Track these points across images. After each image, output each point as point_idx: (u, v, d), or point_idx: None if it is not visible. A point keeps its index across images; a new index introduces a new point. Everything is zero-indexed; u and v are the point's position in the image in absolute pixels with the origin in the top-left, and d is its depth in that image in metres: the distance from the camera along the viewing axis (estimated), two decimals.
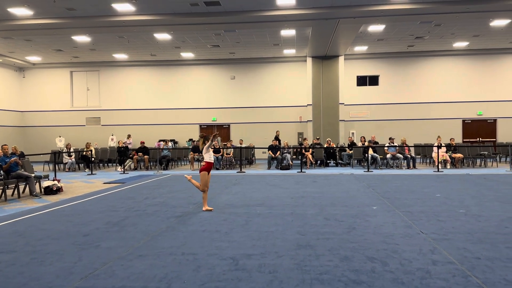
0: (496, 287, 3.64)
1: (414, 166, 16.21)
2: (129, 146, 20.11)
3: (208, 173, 7.51)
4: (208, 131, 23.44)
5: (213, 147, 7.92)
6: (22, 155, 12.78)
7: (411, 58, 22.08)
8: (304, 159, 16.62)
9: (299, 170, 15.35)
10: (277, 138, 18.84)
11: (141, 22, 15.14)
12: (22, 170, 10.22)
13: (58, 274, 4.13)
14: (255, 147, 19.43)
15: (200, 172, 7.58)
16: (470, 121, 22.03)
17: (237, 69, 23.06)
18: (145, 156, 17.45)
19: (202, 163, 7.73)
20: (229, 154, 17.48)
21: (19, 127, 23.90)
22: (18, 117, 23.86)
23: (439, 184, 10.96)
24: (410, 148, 17.29)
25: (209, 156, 7.57)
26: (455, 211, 7.07)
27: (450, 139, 17.04)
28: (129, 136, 21.81)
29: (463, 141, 21.58)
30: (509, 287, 3.66)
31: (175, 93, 23.38)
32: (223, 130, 23.38)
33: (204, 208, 7.47)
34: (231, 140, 19.95)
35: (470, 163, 17.21)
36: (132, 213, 7.30)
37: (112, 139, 22.22)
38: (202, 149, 7.61)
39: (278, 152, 17.01)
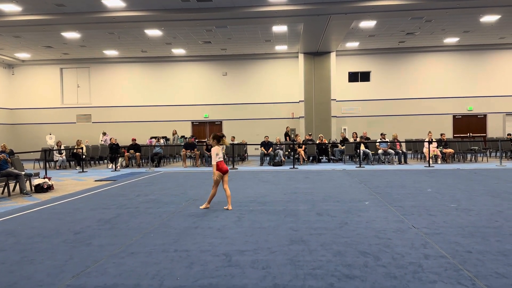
0: (487, 280, 3.68)
1: (405, 162, 16.31)
2: (103, 143, 20.00)
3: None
4: (200, 128, 23.39)
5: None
6: (11, 153, 12.62)
7: (402, 54, 22.19)
8: (297, 156, 16.64)
9: (292, 166, 15.37)
10: (287, 134, 18.85)
11: (131, 18, 15.01)
12: (12, 168, 10.10)
13: (49, 273, 4.09)
14: (248, 143, 19.42)
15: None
16: (460, 117, 22.20)
17: (229, 65, 22.99)
18: (137, 154, 17.35)
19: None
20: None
21: (9, 124, 23.62)
22: (7, 114, 23.57)
23: (430, 179, 11.04)
24: (402, 143, 17.39)
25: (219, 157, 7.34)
26: (446, 206, 7.12)
27: (441, 135, 17.17)
28: (104, 134, 21.61)
29: (454, 136, 21.77)
30: (500, 280, 3.69)
31: (166, 89, 23.25)
32: (215, 127, 23.32)
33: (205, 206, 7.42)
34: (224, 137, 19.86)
35: (461, 158, 17.36)
36: (124, 211, 7.25)
37: (105, 139, 22.04)
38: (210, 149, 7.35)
39: (271, 148, 17.01)
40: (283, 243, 4.96)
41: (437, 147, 16.48)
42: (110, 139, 18.67)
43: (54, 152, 17.74)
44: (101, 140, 21.19)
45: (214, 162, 7.20)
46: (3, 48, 20.20)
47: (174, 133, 21.34)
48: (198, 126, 23.48)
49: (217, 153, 7.25)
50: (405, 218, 6.23)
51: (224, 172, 7.25)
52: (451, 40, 20.49)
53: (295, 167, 15.30)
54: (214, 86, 23.10)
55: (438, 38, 19.89)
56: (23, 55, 22.06)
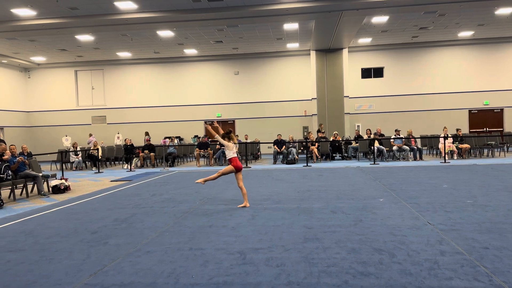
0: (505, 276, 3.63)
1: (420, 158, 16.14)
2: (89, 145, 19.98)
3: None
4: (212, 127, 23.44)
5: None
6: (29, 155, 12.87)
7: (415, 49, 21.92)
8: (310, 154, 16.59)
9: (305, 164, 15.34)
10: (319, 131, 18.81)
11: (143, 19, 15.13)
12: (30, 169, 10.30)
13: (67, 272, 4.17)
14: (260, 142, 19.42)
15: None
16: (476, 111, 21.85)
17: (240, 64, 23.02)
18: (151, 154, 17.51)
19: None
20: None
21: (26, 127, 24.06)
22: (24, 117, 24.01)
23: (446, 175, 10.90)
24: (416, 139, 17.20)
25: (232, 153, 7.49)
26: (463, 202, 7.03)
27: (457, 130, 16.92)
28: (90, 135, 21.70)
29: (470, 132, 21.43)
30: None
31: (179, 90, 23.41)
32: (228, 126, 23.39)
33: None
34: (236, 136, 19.94)
35: (477, 153, 17.09)
36: (139, 210, 7.34)
37: (118, 137, 22.30)
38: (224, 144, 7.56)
39: (284, 146, 16.99)
40: (297, 241, 4.96)
41: (453, 143, 16.25)
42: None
43: (70, 153, 18.02)
44: (88, 142, 21.13)
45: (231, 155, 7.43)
46: (19, 52, 20.58)
47: (146, 134, 21.33)
48: (211, 126, 23.53)
49: (232, 148, 7.49)
50: (420, 214, 6.17)
51: (238, 170, 7.31)
52: (465, 34, 20.17)
53: (308, 165, 15.26)
54: (226, 85, 23.16)
55: (452, 32, 19.60)
56: (39, 59, 22.44)
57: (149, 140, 18.37)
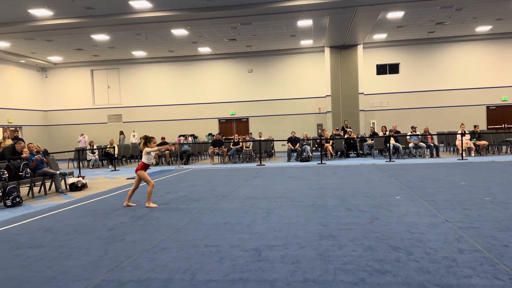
0: None
1: (437, 155, 15.91)
2: (80, 145, 20.11)
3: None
4: (227, 125, 23.53)
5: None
6: (46, 153, 13.07)
7: (432, 45, 21.59)
8: (324, 151, 16.50)
9: (319, 162, 15.26)
10: (343, 128, 18.72)
11: (158, 18, 15.23)
12: (48, 167, 10.47)
13: (85, 268, 4.23)
14: (274, 139, 19.40)
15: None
16: (494, 107, 21.44)
17: (254, 62, 23.01)
18: (166, 151, 17.64)
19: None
20: (249, 148, 17.49)
21: (43, 126, 24.48)
22: (42, 116, 24.43)
23: (463, 172, 10.73)
24: (433, 136, 16.96)
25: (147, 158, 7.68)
26: (481, 199, 6.91)
27: (475, 126, 16.62)
28: (81, 134, 21.80)
29: (488, 128, 21.05)
30: None
31: (193, 88, 23.52)
32: (242, 124, 23.42)
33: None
34: (250, 133, 19.97)
35: (496, 150, 16.78)
36: (153, 207, 7.40)
37: (134, 136, 22.52)
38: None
39: (298, 144, 16.93)
40: (312, 238, 4.94)
41: (471, 139, 15.98)
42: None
43: (87, 151, 18.26)
44: (78, 141, 21.29)
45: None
46: (36, 52, 20.93)
47: (121, 133, 21.25)
48: (225, 124, 23.64)
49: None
50: (438, 212, 6.09)
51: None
52: (483, 29, 19.79)
53: (322, 162, 15.19)
54: (240, 83, 23.18)
55: (469, 27, 19.25)
56: (55, 58, 22.78)
57: (164, 138, 18.46)
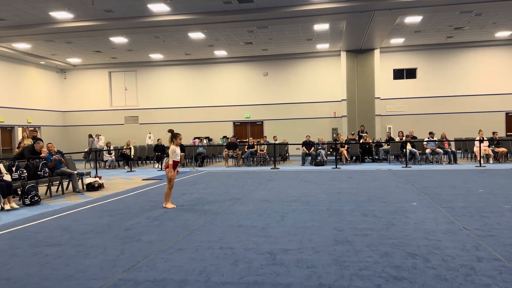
0: None
1: (455, 161, 15.68)
2: (97, 146, 20.20)
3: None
4: (241, 128, 23.59)
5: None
6: (61, 154, 13.28)
7: (450, 50, 21.32)
8: (339, 156, 16.40)
9: (334, 166, 15.17)
10: (359, 133, 18.59)
11: (175, 21, 15.39)
12: (66, 167, 10.64)
13: (102, 267, 4.28)
14: (289, 143, 19.38)
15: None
16: None
17: (270, 65, 23.04)
18: (181, 153, 17.73)
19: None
20: (263, 151, 17.50)
21: (62, 126, 24.90)
22: (60, 117, 24.85)
23: (481, 179, 10.55)
24: (450, 142, 16.72)
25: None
26: (500, 207, 6.79)
27: (493, 133, 16.33)
28: (97, 135, 21.82)
29: (507, 135, 20.65)
30: None
31: (209, 91, 23.65)
32: (257, 127, 23.45)
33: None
34: (265, 136, 19.97)
35: None
36: (170, 208, 7.45)
37: (150, 137, 22.73)
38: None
39: (312, 148, 16.87)
40: (327, 243, 4.92)
41: (489, 146, 15.70)
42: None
43: (104, 152, 18.50)
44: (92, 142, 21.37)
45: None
46: (56, 54, 21.34)
47: (90, 136, 21.11)
48: (240, 126, 23.70)
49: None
50: (455, 219, 5.99)
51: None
52: (503, 34, 19.47)
53: (337, 167, 15.09)
54: (255, 87, 23.23)
55: (488, 32, 18.96)
56: (75, 60, 23.18)
57: (181, 140, 18.58)
